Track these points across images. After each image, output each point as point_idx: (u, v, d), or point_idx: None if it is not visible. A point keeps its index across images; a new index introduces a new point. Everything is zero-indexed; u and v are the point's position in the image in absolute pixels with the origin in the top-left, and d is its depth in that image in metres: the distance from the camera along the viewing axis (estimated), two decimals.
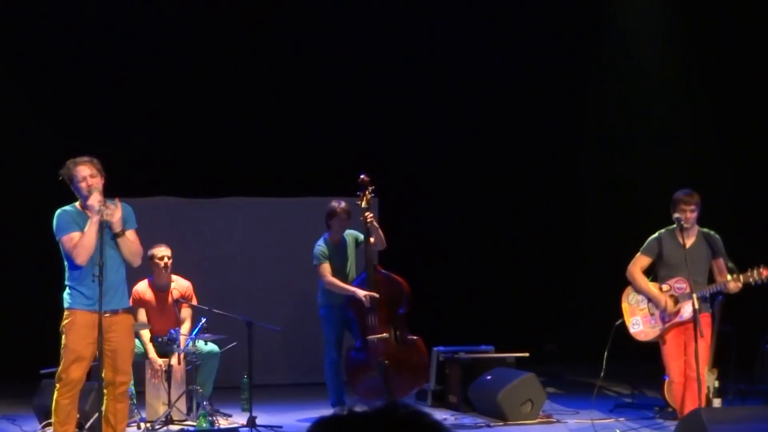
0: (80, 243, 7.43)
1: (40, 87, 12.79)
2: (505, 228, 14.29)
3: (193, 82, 13.27)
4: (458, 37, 14.03)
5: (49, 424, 9.06)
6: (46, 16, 12.82)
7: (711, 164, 13.34)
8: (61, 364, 7.59)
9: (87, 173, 7.58)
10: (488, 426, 9.93)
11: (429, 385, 10.95)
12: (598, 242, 14.36)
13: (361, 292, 9.94)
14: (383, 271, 10.17)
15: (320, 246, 10.20)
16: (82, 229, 7.48)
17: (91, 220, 7.44)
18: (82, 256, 7.43)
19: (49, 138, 12.38)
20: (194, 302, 10.22)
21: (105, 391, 7.68)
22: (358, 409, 1.75)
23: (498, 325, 12.96)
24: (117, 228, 7.53)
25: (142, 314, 10.14)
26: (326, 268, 10.11)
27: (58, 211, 7.66)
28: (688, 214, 8.52)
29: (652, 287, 8.70)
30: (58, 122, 12.67)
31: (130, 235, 7.66)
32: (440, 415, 10.38)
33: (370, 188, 9.95)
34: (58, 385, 7.60)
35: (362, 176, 10.02)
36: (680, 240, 8.49)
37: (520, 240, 14.30)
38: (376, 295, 9.91)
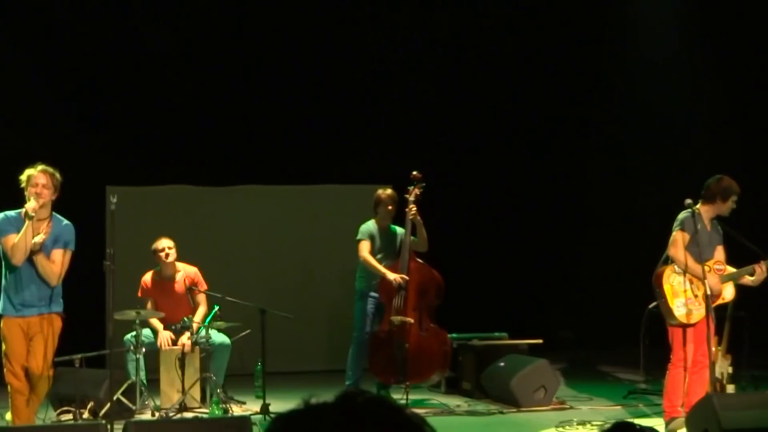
0: (15, 245, 7.87)
1: (55, 77, 12.81)
2: (518, 214, 14.26)
3: (208, 69, 13.27)
4: (476, 33, 14.03)
5: (65, 411, 9.17)
6: (62, 7, 12.86)
7: (723, 155, 13.25)
8: (5, 371, 7.99)
9: (42, 182, 7.95)
10: (501, 413, 9.94)
11: (445, 374, 10.96)
12: (611, 229, 14.34)
13: (391, 275, 10.04)
14: (419, 260, 10.29)
15: (367, 224, 10.40)
16: (18, 232, 7.90)
17: (26, 225, 7.85)
18: (16, 257, 7.90)
19: (67, 127, 12.45)
20: (203, 287, 10.29)
21: (31, 383, 8.02)
22: (314, 400, 1.73)
23: (511, 312, 12.96)
24: (34, 247, 7.93)
25: (149, 304, 10.21)
26: (365, 245, 10.26)
27: (0, 215, 8.02)
28: (734, 206, 8.52)
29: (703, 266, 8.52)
30: (71, 114, 12.70)
31: (54, 256, 7.98)
32: (453, 401, 10.42)
33: (421, 184, 10.16)
34: (9, 390, 8.00)
35: (414, 172, 10.21)
36: (704, 223, 8.49)
37: (534, 227, 14.27)
38: (406, 277, 10.03)
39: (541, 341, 11.16)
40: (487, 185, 14.14)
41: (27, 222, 7.85)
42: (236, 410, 9.75)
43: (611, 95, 14.38)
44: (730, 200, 8.54)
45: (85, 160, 12.08)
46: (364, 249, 10.25)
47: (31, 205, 7.83)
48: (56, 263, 7.96)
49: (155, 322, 10.08)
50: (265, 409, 9.41)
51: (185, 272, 10.32)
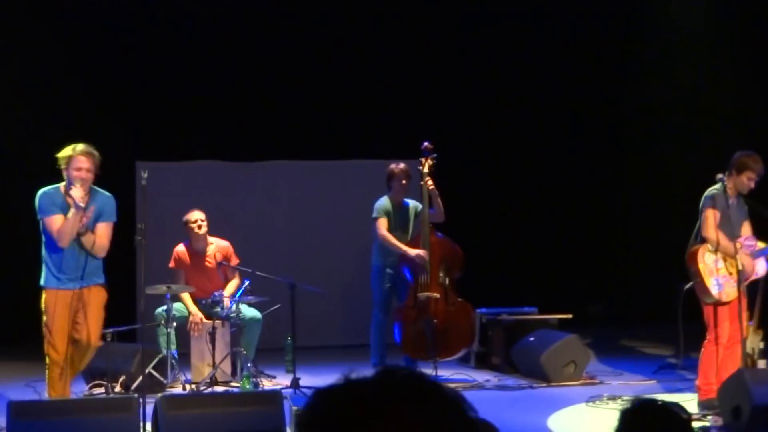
0: (62, 229, 7.88)
1: (84, 53, 12.85)
2: (548, 188, 14.21)
3: (236, 44, 13.27)
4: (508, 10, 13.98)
5: (97, 385, 9.24)
6: None
7: (755, 130, 13.16)
8: (45, 342, 7.99)
9: (86, 166, 7.92)
10: (531, 387, 9.95)
11: (472, 347, 10.98)
12: (642, 205, 14.27)
13: (412, 251, 10.02)
14: (439, 233, 10.27)
15: (381, 201, 10.35)
16: (62, 211, 7.90)
17: (73, 211, 7.84)
18: (63, 241, 7.91)
19: (97, 103, 12.48)
20: (234, 261, 10.31)
21: (74, 346, 8.08)
22: (354, 375, 1.74)
23: (541, 287, 12.94)
24: (80, 230, 7.93)
25: (181, 277, 10.23)
26: (383, 222, 10.23)
27: (40, 192, 8.04)
28: (752, 184, 8.42)
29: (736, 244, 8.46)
30: (101, 89, 12.74)
31: (98, 230, 8.01)
32: (483, 376, 10.43)
33: (433, 155, 10.09)
34: (47, 363, 8.01)
35: (426, 143, 10.16)
36: (728, 198, 8.41)
37: (564, 201, 14.22)
38: (425, 255, 9.98)
39: (570, 316, 11.13)
40: (519, 158, 14.08)
41: (73, 210, 7.83)
42: (267, 384, 9.80)
43: (643, 67, 14.26)
44: (744, 176, 8.41)
45: (115, 135, 12.12)
46: (383, 227, 10.22)
47: (77, 194, 7.81)
48: (101, 236, 8.00)
49: (186, 299, 10.10)
50: (295, 383, 9.45)
51: (217, 246, 10.33)
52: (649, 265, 13.58)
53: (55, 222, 7.89)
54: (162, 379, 9.47)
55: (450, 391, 1.73)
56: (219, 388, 9.49)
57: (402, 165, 10.35)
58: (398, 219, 10.33)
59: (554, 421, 8.45)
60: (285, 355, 10.46)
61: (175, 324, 9.68)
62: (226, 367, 9.87)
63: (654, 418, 3.08)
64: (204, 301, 9.95)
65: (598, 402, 8.99)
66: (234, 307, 9.73)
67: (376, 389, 1.69)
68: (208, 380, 9.53)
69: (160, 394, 8.00)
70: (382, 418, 1.65)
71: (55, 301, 7.96)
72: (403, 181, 10.26)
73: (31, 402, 8.24)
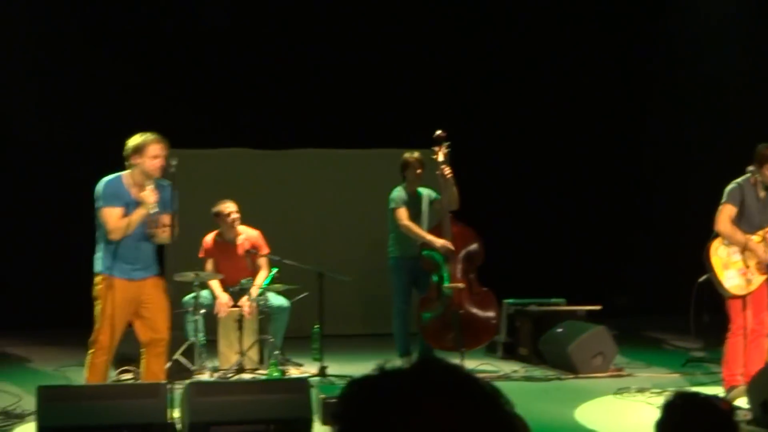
0: (120, 226, 7.64)
1: (114, 40, 12.89)
2: (576, 180, 14.17)
3: (265, 33, 13.29)
4: None
5: (125, 371, 9.27)
6: None
7: None
8: (96, 328, 7.76)
9: (162, 153, 7.70)
10: (559, 379, 9.91)
11: (499, 337, 10.95)
12: (670, 196, 14.19)
13: (439, 241, 9.96)
14: (459, 223, 10.20)
15: (398, 191, 10.26)
16: (124, 205, 7.67)
17: (139, 212, 7.63)
18: (117, 235, 7.67)
19: (126, 90, 12.52)
20: (265, 251, 10.31)
21: (142, 350, 7.92)
22: (390, 366, 1.72)
23: (569, 278, 12.89)
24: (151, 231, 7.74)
25: (209, 265, 10.23)
26: (403, 212, 10.15)
27: (104, 180, 7.77)
28: None
29: (749, 238, 8.40)
30: (130, 77, 12.77)
31: (164, 220, 7.75)
32: (510, 367, 10.40)
33: (446, 143, 9.98)
34: (93, 349, 7.79)
35: (438, 132, 10.05)
36: (757, 191, 8.33)
37: (593, 192, 14.17)
38: (452, 246, 9.94)
39: (599, 307, 11.07)
40: (546, 150, 14.05)
41: (142, 211, 7.63)
42: (294, 372, 9.82)
43: (672, 53, 14.17)
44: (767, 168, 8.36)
45: (144, 122, 12.13)
46: (404, 216, 10.12)
47: (150, 198, 7.60)
48: (168, 227, 7.74)
49: (214, 285, 10.11)
50: (322, 372, 9.46)
51: (247, 236, 10.33)
52: (676, 257, 13.49)
53: (114, 215, 7.66)
54: (190, 365, 9.49)
55: (487, 384, 1.71)
56: (246, 376, 9.51)
57: (416, 154, 10.25)
58: (414, 208, 10.26)
59: (582, 412, 8.42)
60: (312, 343, 10.47)
61: (203, 311, 9.70)
62: (254, 354, 9.89)
63: (697, 411, 3.09)
64: (232, 289, 9.97)
65: (626, 394, 8.95)
66: (262, 294, 9.75)
67: (413, 381, 1.67)
68: (236, 367, 9.56)
69: (187, 381, 8.01)
70: (419, 410, 1.63)
71: (114, 289, 7.72)
72: (418, 170, 10.16)
73: (61, 387, 8.27)
